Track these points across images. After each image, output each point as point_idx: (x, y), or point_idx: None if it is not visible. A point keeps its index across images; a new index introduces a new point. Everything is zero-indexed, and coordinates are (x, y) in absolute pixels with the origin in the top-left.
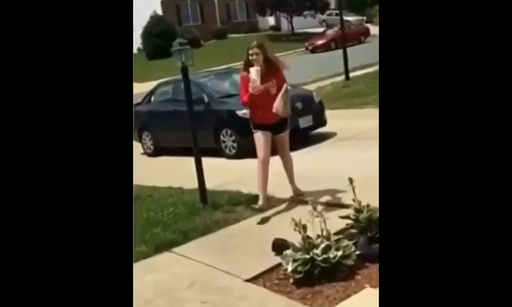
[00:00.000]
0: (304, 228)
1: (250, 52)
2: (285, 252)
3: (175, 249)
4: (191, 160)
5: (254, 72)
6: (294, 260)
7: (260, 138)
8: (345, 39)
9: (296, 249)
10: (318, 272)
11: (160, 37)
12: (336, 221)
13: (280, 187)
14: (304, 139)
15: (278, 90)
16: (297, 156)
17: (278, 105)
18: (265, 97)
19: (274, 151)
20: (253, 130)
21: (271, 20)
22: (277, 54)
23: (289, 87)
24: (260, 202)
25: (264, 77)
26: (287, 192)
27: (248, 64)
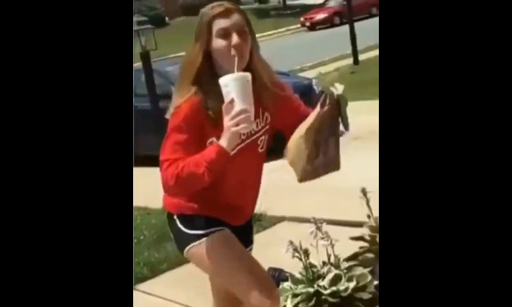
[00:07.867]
0: (306, 253)
1: (223, 25)
2: (282, 285)
3: (140, 286)
4: (157, 172)
5: (240, 87)
6: (294, 295)
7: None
8: (353, 11)
9: (295, 281)
10: None
11: None
12: (347, 244)
13: (273, 202)
14: None
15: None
16: None
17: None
18: (244, 158)
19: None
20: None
21: None
22: (266, 33)
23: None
24: None
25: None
26: (283, 208)
27: (205, 68)
